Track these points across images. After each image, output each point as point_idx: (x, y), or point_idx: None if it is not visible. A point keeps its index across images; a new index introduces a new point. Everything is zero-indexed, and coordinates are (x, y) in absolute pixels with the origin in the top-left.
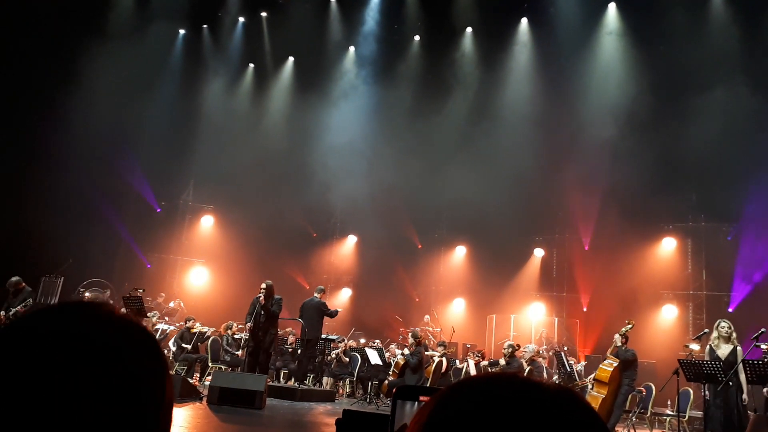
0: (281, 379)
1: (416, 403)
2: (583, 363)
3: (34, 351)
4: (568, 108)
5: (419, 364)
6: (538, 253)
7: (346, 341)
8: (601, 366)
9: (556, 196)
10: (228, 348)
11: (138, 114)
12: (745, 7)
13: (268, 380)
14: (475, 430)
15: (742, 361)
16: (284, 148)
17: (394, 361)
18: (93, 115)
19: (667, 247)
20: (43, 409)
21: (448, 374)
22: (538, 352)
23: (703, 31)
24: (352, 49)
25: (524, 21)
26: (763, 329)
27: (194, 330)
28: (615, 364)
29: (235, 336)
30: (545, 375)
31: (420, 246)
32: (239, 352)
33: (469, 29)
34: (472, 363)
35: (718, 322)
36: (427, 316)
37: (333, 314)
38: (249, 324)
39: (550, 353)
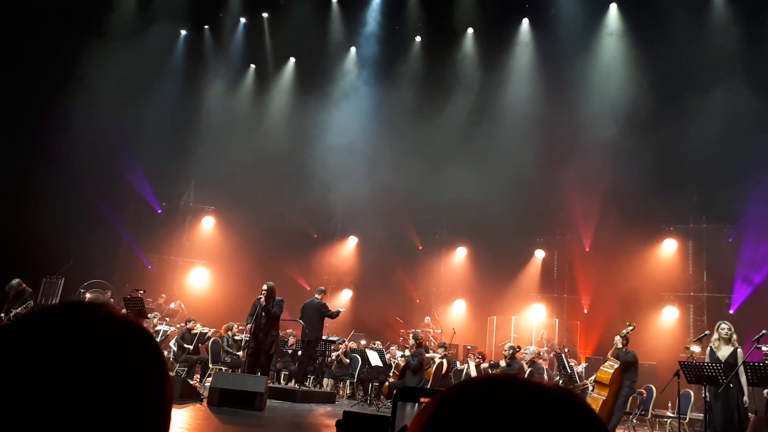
0: (282, 381)
1: (417, 404)
2: (583, 365)
3: (34, 351)
4: (568, 108)
5: (420, 366)
6: (539, 254)
7: (346, 343)
8: (601, 368)
9: (557, 196)
10: (228, 349)
11: (139, 114)
12: (746, 7)
13: (269, 382)
14: None
15: (743, 363)
16: (285, 148)
17: (394, 362)
18: (94, 116)
19: (668, 248)
20: (43, 409)
21: (449, 376)
22: (538, 353)
23: (703, 32)
24: (353, 49)
25: (525, 22)
26: (763, 331)
27: (195, 331)
28: (616, 366)
29: (236, 337)
30: (546, 377)
31: (420, 247)
32: (240, 353)
33: (470, 30)
34: (472, 364)
35: (718, 323)
36: (427, 318)
37: (334, 315)
38: (250, 325)
39: (551, 355)
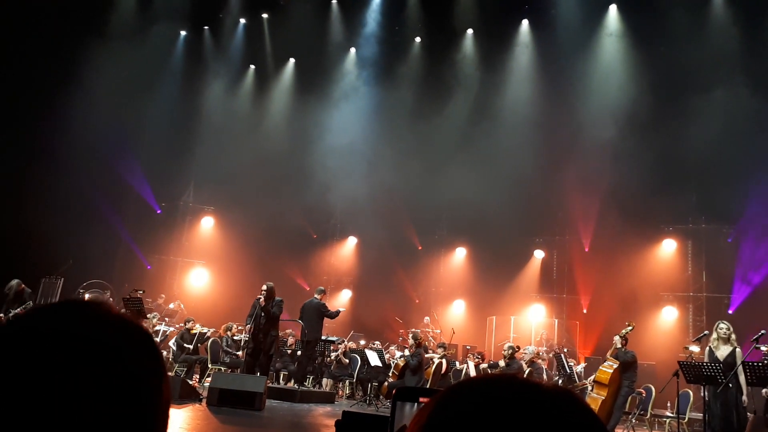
0: (281, 381)
1: (416, 404)
2: (583, 364)
3: (34, 350)
4: (568, 109)
5: (419, 366)
6: (538, 254)
7: (346, 343)
8: (600, 368)
9: (557, 197)
10: (228, 349)
11: (138, 115)
12: (746, 7)
13: (268, 382)
14: None
15: (742, 362)
16: (285, 149)
17: (393, 362)
18: (93, 116)
19: (668, 248)
20: (43, 409)
21: (448, 376)
22: (538, 353)
23: (703, 32)
24: (353, 50)
25: (525, 22)
26: (763, 331)
27: (194, 331)
28: (615, 366)
29: (235, 337)
30: (545, 376)
31: (420, 247)
32: (239, 353)
33: (469, 31)
34: (472, 364)
35: (717, 323)
36: (427, 318)
37: (333, 315)
38: (249, 326)
39: (550, 355)
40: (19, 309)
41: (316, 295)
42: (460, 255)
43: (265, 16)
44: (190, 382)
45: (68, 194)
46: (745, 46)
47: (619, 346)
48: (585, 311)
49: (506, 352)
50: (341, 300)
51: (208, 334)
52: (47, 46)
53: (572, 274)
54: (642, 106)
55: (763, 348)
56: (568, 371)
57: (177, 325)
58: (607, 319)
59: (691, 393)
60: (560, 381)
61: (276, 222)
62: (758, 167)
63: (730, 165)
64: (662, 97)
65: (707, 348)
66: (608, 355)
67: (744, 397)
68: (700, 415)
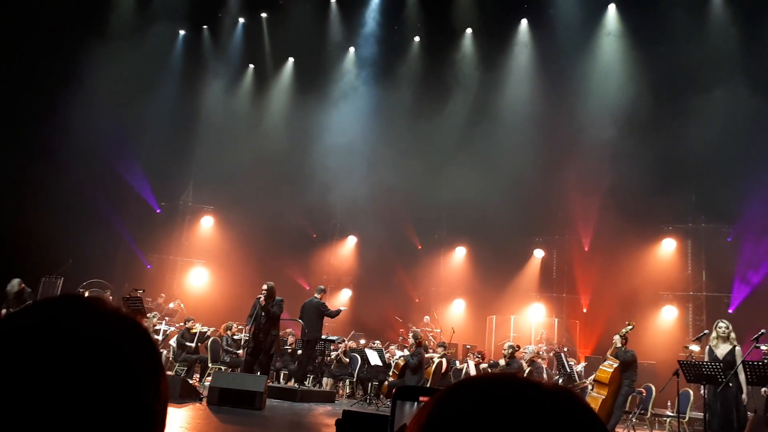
0: (281, 380)
1: (416, 403)
2: (583, 364)
3: (32, 346)
4: (567, 109)
5: (419, 365)
6: (538, 253)
7: (346, 342)
8: (601, 367)
9: (556, 196)
10: (228, 348)
11: (138, 114)
12: (745, 7)
13: (268, 381)
14: (475, 431)
15: (742, 362)
16: (284, 148)
17: (393, 362)
18: (93, 116)
19: (667, 248)
20: (42, 405)
21: (448, 375)
22: (538, 353)
23: (702, 32)
24: (352, 50)
25: (524, 22)
26: (763, 330)
27: (194, 330)
28: (615, 365)
29: (235, 337)
30: (545, 376)
31: (420, 247)
32: (239, 352)
33: (469, 30)
34: (472, 364)
35: (716, 322)
36: (427, 317)
37: (333, 314)
38: (250, 327)
39: (550, 354)
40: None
41: (316, 295)
42: (460, 254)
43: (264, 15)
44: (191, 382)
45: (68, 194)
46: (745, 46)
47: (619, 345)
48: (585, 310)
49: (506, 351)
50: (341, 299)
51: (208, 333)
52: (47, 46)
53: (572, 273)
54: (641, 105)
55: (763, 347)
56: (568, 370)
57: (177, 325)
58: (607, 318)
59: (691, 392)
60: (560, 380)
61: (276, 221)
62: (758, 167)
63: (730, 164)
64: (662, 97)
65: (707, 347)
66: (608, 354)
67: (744, 396)
68: (700, 415)
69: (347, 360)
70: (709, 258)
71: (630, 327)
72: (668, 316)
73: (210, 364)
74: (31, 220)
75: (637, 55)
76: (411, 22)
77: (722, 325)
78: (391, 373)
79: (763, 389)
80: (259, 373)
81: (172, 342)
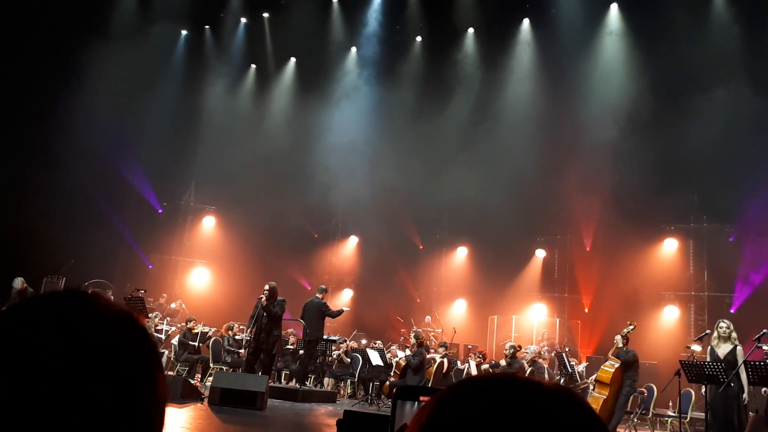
0: (282, 380)
1: (416, 403)
2: (584, 364)
3: (33, 340)
4: (569, 108)
5: (421, 365)
6: (540, 253)
7: (347, 342)
8: (602, 367)
9: (558, 196)
10: (230, 348)
11: (140, 114)
12: (747, 7)
13: (270, 381)
14: (475, 430)
15: (744, 361)
16: (286, 148)
17: (395, 362)
18: (95, 116)
19: (669, 247)
20: (42, 403)
21: (450, 375)
22: (539, 353)
23: (704, 32)
24: (353, 49)
25: (526, 21)
26: (764, 330)
27: (195, 330)
28: (616, 365)
29: (237, 337)
30: (547, 376)
31: (421, 247)
32: (241, 351)
33: (470, 30)
34: (473, 364)
35: (717, 322)
36: (428, 317)
37: (335, 314)
38: (251, 328)
39: (552, 354)
40: None
41: (317, 294)
42: (461, 254)
43: (266, 15)
44: (192, 382)
45: (69, 194)
46: (747, 46)
47: (620, 345)
48: (586, 310)
49: (508, 351)
50: (343, 299)
51: (210, 333)
52: (48, 45)
53: (573, 273)
54: (643, 105)
55: (765, 347)
56: (570, 370)
57: (178, 325)
58: (609, 318)
59: (693, 392)
60: (562, 380)
61: (277, 221)
62: (759, 166)
63: (732, 164)
64: (663, 97)
65: (709, 347)
66: (610, 354)
67: (745, 395)
68: (702, 415)
69: (348, 360)
70: (711, 258)
71: (631, 327)
72: (670, 316)
73: (211, 365)
74: (33, 221)
75: (638, 54)
76: (413, 22)
77: (723, 325)
78: (392, 374)
79: (763, 389)
80: (260, 373)
81: (174, 341)
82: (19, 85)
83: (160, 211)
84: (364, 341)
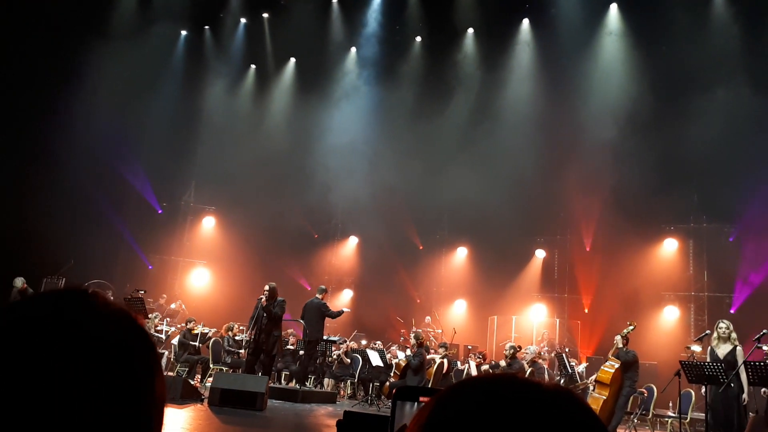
0: (282, 381)
1: (416, 403)
2: (584, 364)
3: (33, 338)
4: (569, 108)
5: (421, 366)
6: (540, 254)
7: (347, 342)
8: (602, 367)
9: (558, 197)
10: (230, 349)
11: (140, 115)
12: (747, 7)
13: (270, 382)
14: (475, 431)
15: (744, 362)
16: (285, 148)
17: (395, 362)
18: (95, 116)
19: (669, 248)
20: (42, 401)
21: (450, 376)
22: (539, 353)
23: (704, 32)
24: (353, 49)
25: (525, 21)
26: (765, 330)
27: (195, 331)
28: (616, 366)
29: (236, 337)
30: (547, 376)
31: (421, 247)
32: (241, 351)
33: (470, 30)
34: (473, 364)
35: (717, 322)
36: (428, 318)
37: (334, 315)
38: (251, 330)
39: (552, 355)
40: None
41: (317, 295)
42: (461, 255)
43: (265, 15)
44: (192, 382)
45: (70, 194)
46: (746, 46)
47: (620, 345)
48: (586, 311)
49: (508, 351)
50: (343, 300)
51: (210, 334)
52: (48, 45)
53: (573, 273)
54: (643, 105)
55: (765, 347)
56: (570, 371)
57: (178, 325)
58: (609, 318)
59: (693, 393)
60: (562, 381)
61: (277, 222)
62: (760, 166)
63: (732, 164)
64: (663, 97)
65: (709, 348)
66: (610, 354)
67: (744, 395)
68: (702, 415)
69: (348, 361)
70: (711, 258)
71: (631, 327)
72: (670, 317)
73: (211, 365)
74: (32, 221)
75: (638, 54)
76: (412, 22)
77: (723, 325)
78: (392, 374)
79: (763, 390)
80: (260, 373)
81: (174, 342)
82: (19, 85)
83: (159, 211)
84: (364, 342)
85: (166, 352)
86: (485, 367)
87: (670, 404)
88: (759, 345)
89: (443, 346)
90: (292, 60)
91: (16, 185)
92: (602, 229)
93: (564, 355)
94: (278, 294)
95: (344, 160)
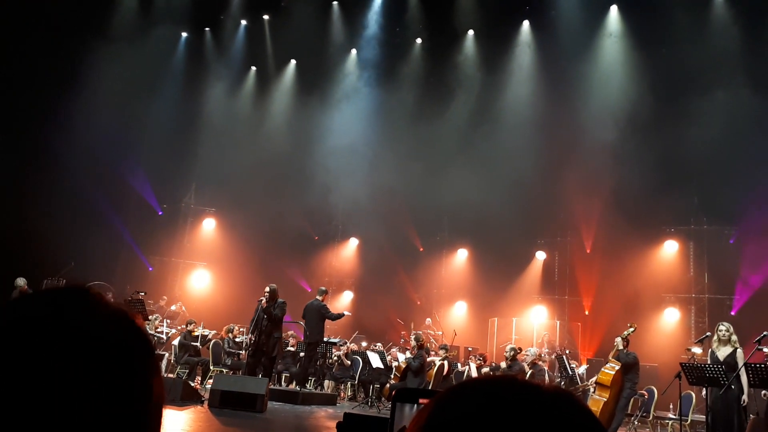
0: (282, 383)
1: (416, 405)
2: (585, 366)
3: (33, 337)
4: (569, 110)
5: (421, 368)
6: (540, 256)
7: (348, 344)
8: (603, 369)
9: (558, 198)
10: (230, 350)
11: (140, 117)
12: (747, 8)
13: (270, 384)
14: None
15: (745, 364)
16: (286, 150)
17: (395, 364)
18: (95, 118)
19: (669, 249)
20: (42, 400)
21: (450, 378)
22: (540, 355)
23: (704, 33)
24: (353, 51)
25: (526, 23)
26: (765, 333)
27: (195, 333)
28: (617, 368)
29: (237, 339)
30: (547, 378)
31: (422, 249)
32: (242, 353)
33: (470, 32)
34: (473, 366)
35: (717, 325)
36: (428, 319)
37: (334, 317)
38: (251, 335)
39: (552, 356)
40: None
41: (318, 296)
42: (461, 256)
43: (266, 17)
44: (192, 384)
45: (70, 196)
46: (746, 47)
47: (620, 347)
48: (587, 313)
49: (508, 353)
50: (343, 301)
51: (210, 335)
52: (48, 47)
53: (574, 275)
54: (643, 106)
55: (765, 349)
56: (570, 373)
57: (179, 327)
58: (609, 320)
59: (693, 395)
60: (562, 383)
61: (277, 223)
62: (760, 168)
63: (732, 165)
64: (663, 98)
65: (710, 350)
66: (610, 356)
67: (744, 397)
68: (702, 417)
69: (349, 362)
70: (712, 260)
71: (632, 329)
72: (670, 319)
73: (211, 367)
74: (33, 223)
75: (638, 56)
76: (413, 24)
77: (722, 328)
78: (392, 376)
79: (763, 392)
80: (261, 375)
81: (174, 344)
82: (19, 86)
83: (160, 213)
84: (364, 343)
85: (167, 354)
86: (485, 369)
87: (671, 406)
88: (759, 347)
89: (443, 348)
90: (293, 62)
91: (16, 186)
92: (602, 231)
93: (564, 357)
94: (279, 296)
95: (344, 161)
